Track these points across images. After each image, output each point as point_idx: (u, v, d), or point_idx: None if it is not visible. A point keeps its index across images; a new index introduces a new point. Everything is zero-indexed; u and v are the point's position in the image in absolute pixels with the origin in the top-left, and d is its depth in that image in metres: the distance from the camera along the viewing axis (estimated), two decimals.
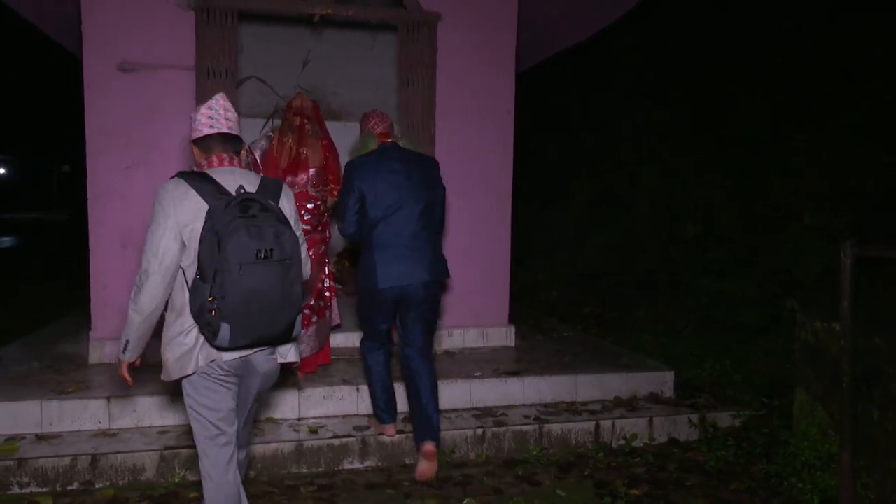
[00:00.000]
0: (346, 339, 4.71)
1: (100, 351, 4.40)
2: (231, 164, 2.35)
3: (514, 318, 5.18)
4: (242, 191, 2.23)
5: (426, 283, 3.52)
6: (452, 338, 4.96)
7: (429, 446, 3.51)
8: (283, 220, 2.23)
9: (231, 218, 2.12)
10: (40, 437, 3.60)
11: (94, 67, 4.30)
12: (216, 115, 2.36)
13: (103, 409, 3.73)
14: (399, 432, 3.75)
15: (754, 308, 5.49)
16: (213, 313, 2.13)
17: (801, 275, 5.24)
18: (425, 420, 3.55)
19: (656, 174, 7.32)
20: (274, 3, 4.56)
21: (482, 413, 4.10)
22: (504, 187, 4.98)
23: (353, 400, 4.03)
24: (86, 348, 4.44)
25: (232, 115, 2.39)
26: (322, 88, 6.71)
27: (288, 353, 2.45)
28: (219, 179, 2.27)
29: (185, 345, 2.28)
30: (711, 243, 6.36)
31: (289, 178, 4.12)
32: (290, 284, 2.22)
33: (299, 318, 2.32)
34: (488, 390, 4.22)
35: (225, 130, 2.35)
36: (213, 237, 2.13)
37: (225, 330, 2.14)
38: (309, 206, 4.16)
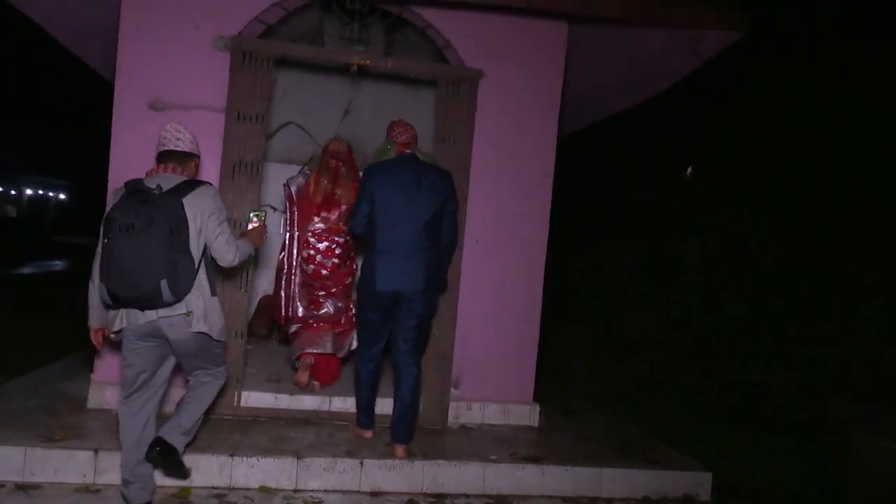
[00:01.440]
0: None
1: (99, 395, 4.20)
2: (165, 171, 3.00)
3: (538, 393, 4.83)
4: (158, 188, 2.84)
5: (421, 290, 3.73)
6: (471, 411, 4.62)
7: (399, 451, 3.83)
8: (158, 203, 2.76)
9: (115, 202, 2.83)
10: (19, 487, 3.37)
11: (125, 101, 4.22)
12: (164, 138, 3.08)
13: (89, 462, 3.49)
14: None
15: (803, 404, 5.03)
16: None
17: (858, 374, 4.78)
18: (401, 423, 3.83)
19: (700, 247, 6.97)
20: (311, 51, 4.45)
21: (495, 502, 3.74)
22: (537, 255, 4.70)
23: (355, 475, 3.71)
24: (87, 390, 4.24)
25: (180, 135, 3.09)
26: (360, 139, 6.59)
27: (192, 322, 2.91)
28: (152, 180, 2.92)
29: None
30: (761, 326, 5.93)
31: (323, 214, 4.58)
32: (151, 253, 2.72)
33: (164, 283, 2.75)
34: (504, 476, 3.86)
35: (168, 148, 3.07)
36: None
37: (103, 290, 2.83)
38: (339, 240, 4.61)
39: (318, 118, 6.59)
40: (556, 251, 5.42)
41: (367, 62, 4.38)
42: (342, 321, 4.71)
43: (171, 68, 4.25)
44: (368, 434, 4.06)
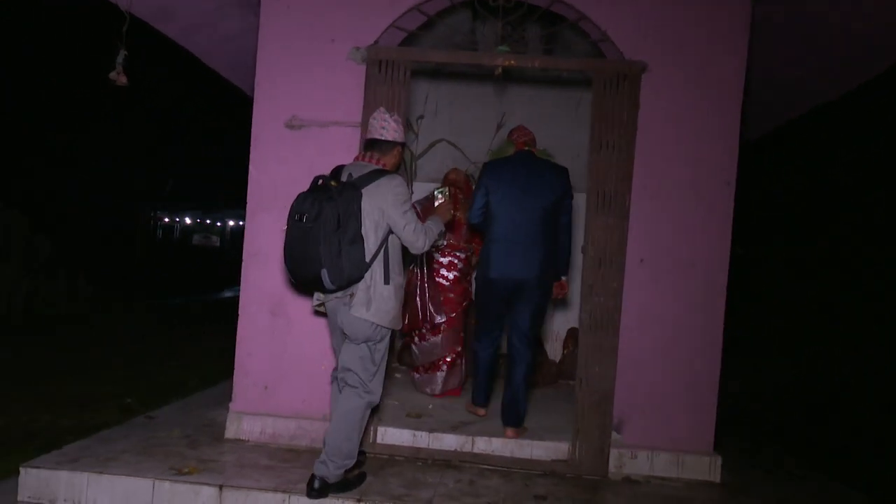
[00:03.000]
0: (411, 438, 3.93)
1: (236, 425, 4.05)
2: (363, 160, 3.23)
3: (718, 442, 4.03)
4: (349, 178, 3.13)
5: (535, 278, 3.91)
6: (637, 461, 3.93)
7: (510, 432, 3.99)
8: (332, 197, 2.96)
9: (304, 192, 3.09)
10: None
11: (263, 123, 4.09)
12: (371, 125, 3.27)
13: (214, 499, 3.28)
14: None
15: None
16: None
17: None
18: (511, 405, 4.00)
19: None
20: (450, 55, 4.05)
21: None
22: (717, 279, 3.94)
23: None
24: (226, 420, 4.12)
25: (385, 123, 3.23)
26: None
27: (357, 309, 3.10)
28: (346, 170, 3.21)
29: None
30: None
31: (448, 234, 4.91)
32: (312, 244, 2.93)
33: (324, 272, 2.95)
34: None
35: (373, 137, 3.25)
36: None
37: (286, 272, 3.18)
38: (460, 255, 4.97)
39: (472, 135, 6.23)
40: (738, 273, 4.60)
41: (512, 62, 3.92)
42: (448, 358, 4.94)
43: (307, 85, 4.07)
44: (482, 412, 4.35)
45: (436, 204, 3.55)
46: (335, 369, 3.42)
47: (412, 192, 6.11)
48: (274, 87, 4.09)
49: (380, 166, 3.18)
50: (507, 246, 3.94)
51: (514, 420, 4.00)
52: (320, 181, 3.09)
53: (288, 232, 3.03)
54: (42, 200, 14.32)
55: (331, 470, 3.20)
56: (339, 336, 3.30)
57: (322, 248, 2.92)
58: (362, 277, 3.07)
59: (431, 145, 6.17)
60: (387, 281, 3.13)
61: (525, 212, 3.91)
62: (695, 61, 3.97)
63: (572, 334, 5.87)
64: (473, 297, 4.96)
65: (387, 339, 3.25)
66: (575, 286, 5.09)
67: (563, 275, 4.12)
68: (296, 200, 3.04)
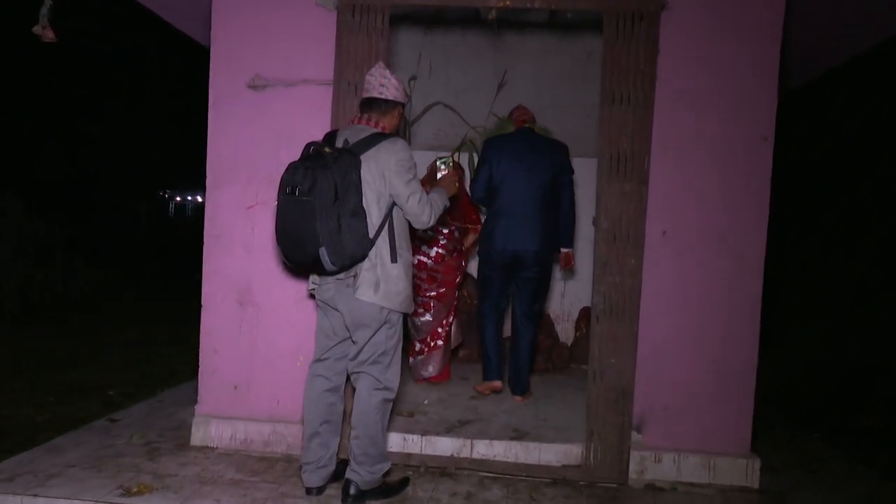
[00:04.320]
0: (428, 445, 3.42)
1: (203, 431, 3.57)
2: (360, 122, 2.84)
3: (755, 436, 3.48)
4: (345, 144, 2.74)
5: (535, 251, 3.99)
6: (661, 465, 3.40)
7: (517, 398, 4.17)
8: (327, 165, 2.57)
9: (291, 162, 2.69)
10: None
11: (221, 84, 3.54)
12: (368, 83, 2.85)
13: None
14: None
15: None
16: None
17: None
18: (517, 376, 4.18)
19: None
20: None
21: None
22: (754, 251, 3.36)
23: None
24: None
25: (385, 80, 2.81)
26: None
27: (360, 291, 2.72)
28: (341, 135, 2.81)
29: None
30: None
31: None
32: (308, 220, 2.56)
33: (322, 251, 2.57)
34: None
35: (371, 96, 2.83)
36: None
37: (279, 252, 2.80)
38: (443, 230, 4.49)
39: (471, 97, 5.64)
40: (776, 247, 4.03)
41: (508, 3, 3.33)
42: (438, 334, 4.55)
43: (272, 37, 3.51)
44: (498, 384, 4.25)
45: (438, 175, 3.24)
46: (315, 361, 2.98)
47: None
48: (233, 41, 3.53)
49: (378, 129, 2.82)
50: (511, 220, 3.99)
51: (519, 388, 4.17)
52: (311, 148, 2.72)
53: (279, 208, 2.67)
54: (43, 182, 13.86)
55: (363, 477, 2.89)
56: (338, 323, 2.90)
57: (319, 224, 2.56)
58: (367, 256, 2.71)
59: (427, 109, 5.59)
60: (394, 259, 2.76)
61: (528, 186, 3.97)
62: None
63: (585, 315, 5.34)
64: (464, 273, 4.67)
65: (399, 325, 2.90)
66: (588, 263, 4.56)
67: (569, 245, 4.15)
68: (286, 171, 2.66)
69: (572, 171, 4.08)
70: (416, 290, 4.54)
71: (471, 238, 4.57)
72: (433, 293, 4.49)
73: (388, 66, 3.10)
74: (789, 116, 4.36)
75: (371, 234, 2.71)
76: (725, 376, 3.39)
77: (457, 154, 5.10)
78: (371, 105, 2.85)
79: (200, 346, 3.60)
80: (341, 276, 2.75)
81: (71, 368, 5.81)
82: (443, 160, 3.22)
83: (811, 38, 4.51)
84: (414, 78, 5.54)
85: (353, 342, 2.86)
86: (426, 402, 4.10)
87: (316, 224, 2.55)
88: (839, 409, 5.22)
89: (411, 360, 4.60)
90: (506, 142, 4.10)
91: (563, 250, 4.15)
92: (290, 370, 3.52)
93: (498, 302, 4.21)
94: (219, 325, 3.58)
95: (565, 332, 5.56)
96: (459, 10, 5.16)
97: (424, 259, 4.51)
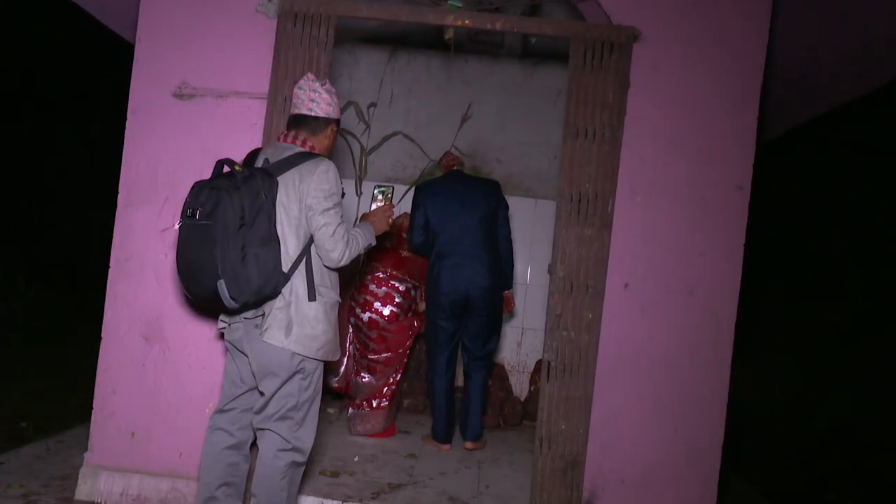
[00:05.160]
0: None
1: (91, 484, 3.08)
2: (285, 140, 2.49)
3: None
4: (265, 164, 2.41)
5: (483, 287, 3.85)
6: None
7: (468, 444, 4.02)
8: (234, 185, 2.21)
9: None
10: None
11: (144, 90, 3.15)
12: (297, 97, 2.51)
13: None
14: None
15: None
16: None
17: None
18: (469, 425, 4.02)
19: None
20: (385, 9, 3.09)
21: None
22: (724, 307, 3.04)
23: None
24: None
25: (315, 95, 2.46)
26: (483, 153, 5.26)
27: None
28: (262, 154, 2.49)
29: None
30: None
31: (389, 265, 4.24)
32: (207, 247, 2.19)
33: (220, 283, 2.18)
34: None
35: (300, 112, 2.49)
36: None
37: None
38: (399, 286, 4.20)
39: (433, 129, 5.32)
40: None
41: (467, 22, 3.02)
42: (384, 394, 4.15)
43: (205, 43, 3.15)
44: (446, 447, 4.04)
45: (372, 206, 2.71)
46: (217, 411, 2.57)
47: (361, 193, 5.20)
48: (159, 44, 3.16)
49: (306, 149, 2.45)
50: (455, 258, 3.87)
51: (471, 433, 4.03)
52: (223, 167, 2.35)
53: (179, 233, 2.30)
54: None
55: None
56: (246, 370, 2.48)
57: (219, 252, 2.18)
58: (278, 292, 2.31)
59: (386, 139, 5.26)
60: (312, 297, 2.35)
61: (467, 223, 3.89)
62: (701, 31, 3.10)
63: (541, 367, 4.94)
64: (419, 332, 4.28)
65: (317, 375, 2.46)
66: (541, 312, 4.22)
67: (507, 288, 4.03)
68: (190, 192, 2.29)
69: (507, 207, 4.04)
70: (364, 349, 4.19)
71: (423, 305, 4.24)
72: (382, 356, 4.12)
73: (329, 78, 2.76)
74: (766, 167, 4.11)
75: (285, 268, 2.31)
76: (689, 447, 3.02)
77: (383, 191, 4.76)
78: (300, 122, 2.50)
79: (96, 384, 3.14)
80: (249, 314, 2.37)
81: None
82: (381, 189, 2.75)
83: (789, 90, 4.30)
84: (373, 105, 5.22)
85: (260, 393, 2.44)
86: (356, 459, 3.66)
87: (216, 252, 2.18)
88: (807, 480, 4.88)
89: (350, 410, 4.17)
90: (437, 184, 4.06)
91: (504, 292, 4.01)
92: (197, 418, 3.06)
93: (450, 356, 4.01)
94: (120, 362, 3.12)
95: (520, 384, 5.17)
96: (420, 34, 4.88)
97: (376, 318, 4.14)
